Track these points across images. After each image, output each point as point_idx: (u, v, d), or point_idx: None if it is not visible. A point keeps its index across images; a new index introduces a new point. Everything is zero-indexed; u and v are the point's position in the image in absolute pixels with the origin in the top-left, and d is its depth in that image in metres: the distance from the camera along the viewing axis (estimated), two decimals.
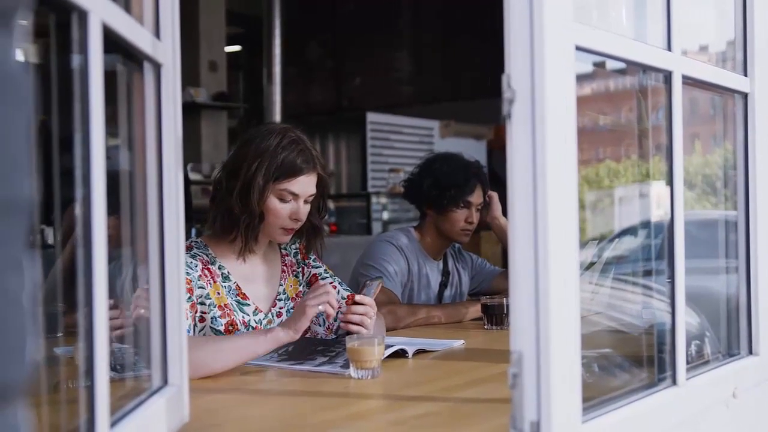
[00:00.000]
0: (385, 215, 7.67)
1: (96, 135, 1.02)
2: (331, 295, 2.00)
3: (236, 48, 10.00)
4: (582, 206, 1.29)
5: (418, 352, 2.17)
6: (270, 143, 2.16)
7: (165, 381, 1.37)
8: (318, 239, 2.36)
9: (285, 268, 2.37)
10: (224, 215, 2.20)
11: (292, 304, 2.33)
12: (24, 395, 0.56)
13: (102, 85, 1.03)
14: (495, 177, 5.28)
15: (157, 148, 1.36)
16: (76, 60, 1.02)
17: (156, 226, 1.36)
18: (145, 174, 1.36)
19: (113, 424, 1.09)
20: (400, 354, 2.11)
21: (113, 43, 1.12)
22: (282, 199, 2.18)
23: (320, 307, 1.97)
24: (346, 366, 1.90)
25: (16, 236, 0.54)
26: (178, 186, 1.39)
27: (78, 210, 1.01)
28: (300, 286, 2.38)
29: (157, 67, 1.35)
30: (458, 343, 2.35)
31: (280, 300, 2.32)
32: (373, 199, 7.63)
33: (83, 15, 1.00)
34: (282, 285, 2.34)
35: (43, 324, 0.81)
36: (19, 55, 0.56)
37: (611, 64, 1.55)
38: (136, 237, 1.39)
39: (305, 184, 2.20)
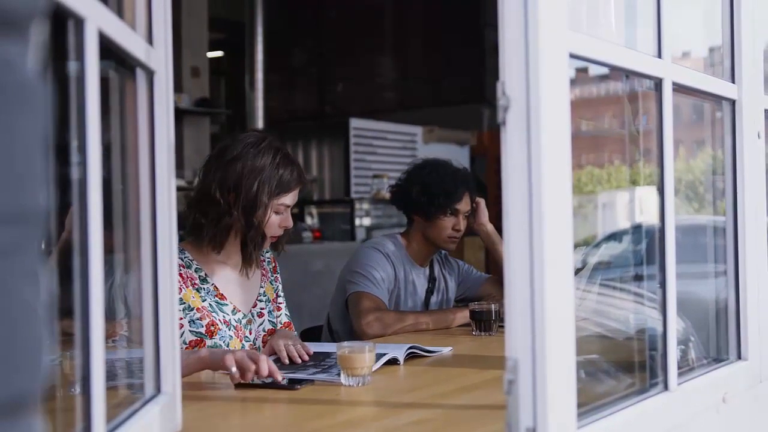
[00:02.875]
0: (369, 221, 7.66)
1: (92, 141, 1.01)
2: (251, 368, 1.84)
3: (218, 53, 9.98)
4: None
5: (410, 357, 2.17)
6: (265, 161, 2.24)
7: (158, 389, 1.37)
8: (286, 236, 2.42)
9: (264, 271, 2.46)
10: (224, 231, 2.24)
11: (272, 306, 2.42)
12: (39, 404, 0.56)
13: (98, 91, 1.03)
14: (478, 183, 5.29)
15: (150, 155, 1.35)
16: (71, 66, 1.02)
17: (149, 233, 1.36)
18: (137, 181, 1.35)
19: None
20: (392, 361, 2.10)
21: (106, 49, 1.11)
22: (277, 212, 2.28)
23: (233, 369, 1.81)
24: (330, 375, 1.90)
25: (31, 245, 0.54)
26: (171, 193, 1.39)
27: (75, 216, 1.00)
28: (274, 292, 2.47)
29: (150, 74, 1.34)
30: (447, 350, 2.35)
31: (261, 301, 2.40)
32: (357, 205, 7.61)
33: (80, 22, 0.99)
34: (263, 287, 2.42)
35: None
36: (35, 64, 0.56)
37: (594, 70, 1.56)
38: (128, 244, 1.38)
39: (296, 195, 2.33)
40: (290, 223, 2.33)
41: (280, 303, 2.50)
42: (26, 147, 0.54)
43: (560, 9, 1.21)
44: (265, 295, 2.41)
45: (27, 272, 0.54)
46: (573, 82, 1.51)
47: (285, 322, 2.45)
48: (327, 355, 2.17)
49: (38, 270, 0.55)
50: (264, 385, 1.86)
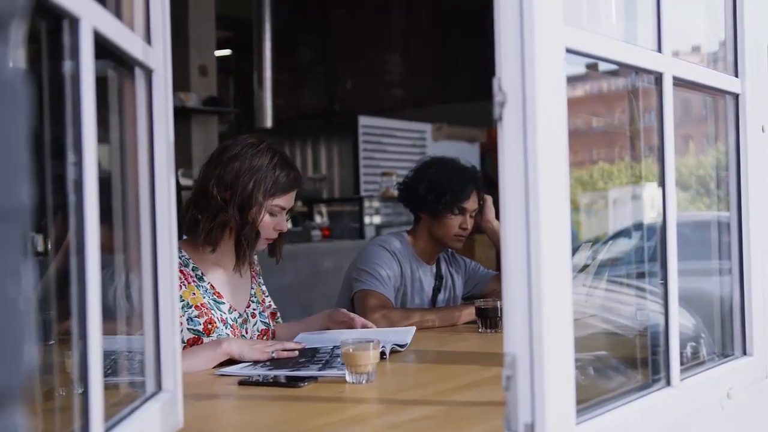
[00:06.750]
0: (378, 219, 7.65)
1: (88, 141, 1.01)
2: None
3: (226, 52, 9.99)
4: (575, 208, 1.29)
5: (392, 352, 2.19)
6: (262, 161, 2.28)
7: (159, 387, 1.37)
8: (283, 241, 2.46)
9: (254, 273, 2.50)
10: (220, 228, 2.27)
11: (261, 308, 2.46)
12: (22, 400, 0.56)
13: (93, 91, 1.03)
14: (488, 180, 5.29)
15: (149, 154, 1.36)
16: (67, 66, 1.02)
17: (149, 232, 1.36)
18: (137, 180, 1.35)
19: (108, 430, 1.09)
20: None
21: (104, 48, 1.12)
22: (271, 214, 2.32)
23: (273, 354, 2.13)
24: (342, 369, 1.89)
25: (14, 242, 0.55)
26: (170, 192, 1.39)
27: (71, 217, 1.01)
28: (262, 294, 2.52)
29: (148, 72, 1.35)
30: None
31: (253, 302, 2.44)
32: (366, 203, 7.61)
33: (74, 21, 1.00)
34: (253, 289, 2.47)
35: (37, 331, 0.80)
36: (16, 62, 0.56)
37: (603, 66, 1.56)
38: (128, 244, 1.39)
39: (292, 199, 2.36)
40: (284, 227, 2.36)
41: (270, 300, 2.54)
42: (9, 145, 0.54)
43: (556, 3, 1.21)
44: (255, 297, 2.46)
45: (10, 269, 0.54)
46: (584, 78, 1.51)
47: (262, 329, 2.45)
48: (316, 350, 2.19)
49: (21, 266, 0.56)
50: (267, 383, 1.86)
